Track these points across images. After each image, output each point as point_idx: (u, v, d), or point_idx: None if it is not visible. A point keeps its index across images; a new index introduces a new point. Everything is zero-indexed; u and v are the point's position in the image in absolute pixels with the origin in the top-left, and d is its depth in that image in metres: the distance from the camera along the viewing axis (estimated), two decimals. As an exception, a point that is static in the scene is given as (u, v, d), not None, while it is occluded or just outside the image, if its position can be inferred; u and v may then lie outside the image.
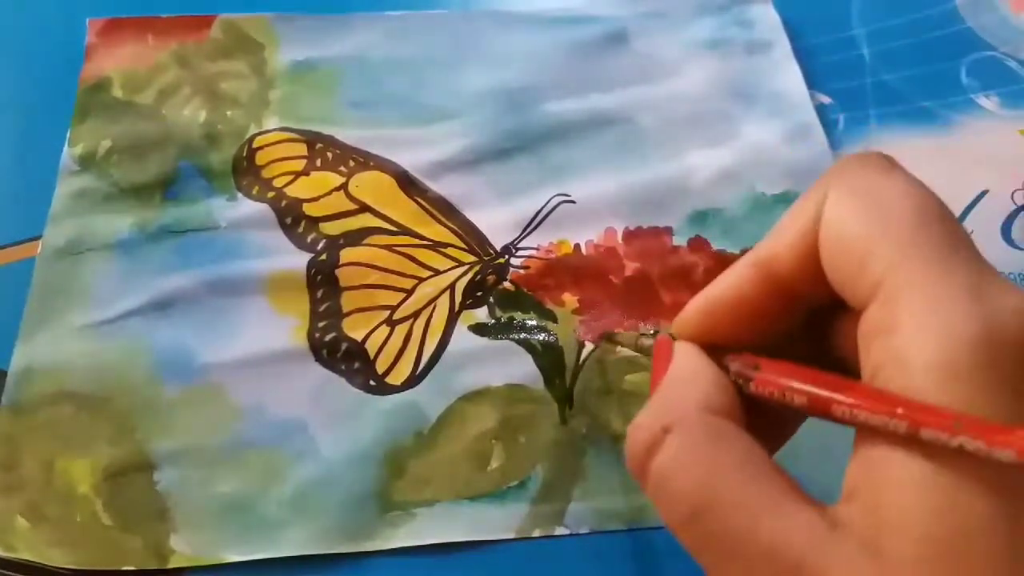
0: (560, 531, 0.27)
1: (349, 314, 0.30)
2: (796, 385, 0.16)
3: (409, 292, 0.31)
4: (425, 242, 0.32)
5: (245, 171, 0.34)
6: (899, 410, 0.14)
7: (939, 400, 0.13)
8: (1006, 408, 0.13)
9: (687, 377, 0.18)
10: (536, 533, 0.27)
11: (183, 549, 0.26)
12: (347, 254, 0.32)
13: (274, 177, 0.34)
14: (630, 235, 0.33)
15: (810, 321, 0.18)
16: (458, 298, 0.31)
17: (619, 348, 0.30)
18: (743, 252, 0.32)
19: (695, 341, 0.19)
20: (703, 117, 0.36)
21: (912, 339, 0.14)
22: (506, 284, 0.31)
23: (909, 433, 0.13)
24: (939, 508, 0.13)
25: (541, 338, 0.30)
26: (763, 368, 0.17)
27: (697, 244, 0.33)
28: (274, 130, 0.35)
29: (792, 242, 0.17)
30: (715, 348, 0.18)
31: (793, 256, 0.17)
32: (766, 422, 0.18)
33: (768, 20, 0.39)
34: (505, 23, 0.39)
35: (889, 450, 0.14)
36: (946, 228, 0.15)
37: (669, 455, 0.16)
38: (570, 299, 0.31)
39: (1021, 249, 0.33)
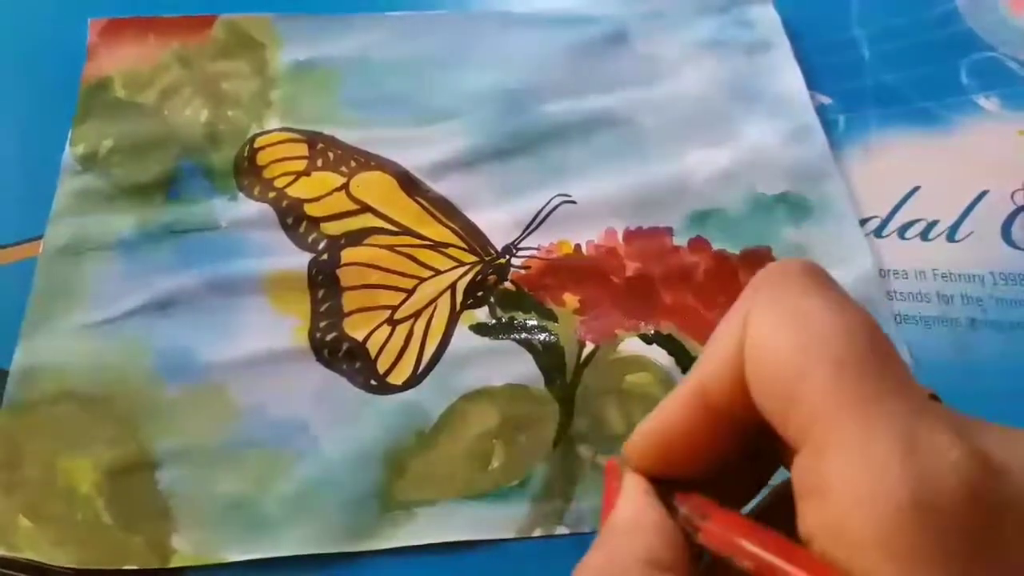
0: (560, 530, 0.27)
1: (350, 314, 0.30)
2: (744, 546, 0.15)
3: (410, 292, 0.31)
4: (426, 242, 0.32)
5: (246, 171, 0.34)
6: None
7: (879, 574, 0.12)
8: None
9: (631, 526, 0.17)
10: (536, 532, 0.27)
11: (184, 548, 0.26)
12: (348, 254, 0.32)
13: (275, 177, 0.34)
14: (630, 235, 0.33)
15: (756, 442, 0.17)
16: (459, 298, 0.31)
17: (619, 348, 0.30)
18: (743, 252, 0.32)
19: (644, 472, 0.18)
20: (703, 117, 0.36)
21: (845, 506, 0.13)
22: (507, 284, 0.31)
23: None
24: None
25: (542, 338, 0.30)
26: (713, 519, 0.16)
27: (697, 244, 0.33)
28: (275, 130, 0.35)
29: (719, 372, 0.15)
30: (665, 481, 0.17)
31: (723, 384, 0.15)
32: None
33: (768, 20, 0.39)
34: (506, 23, 0.39)
35: None
36: (877, 358, 0.14)
37: None
38: (571, 299, 0.31)
39: (1021, 249, 0.33)
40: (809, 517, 0.14)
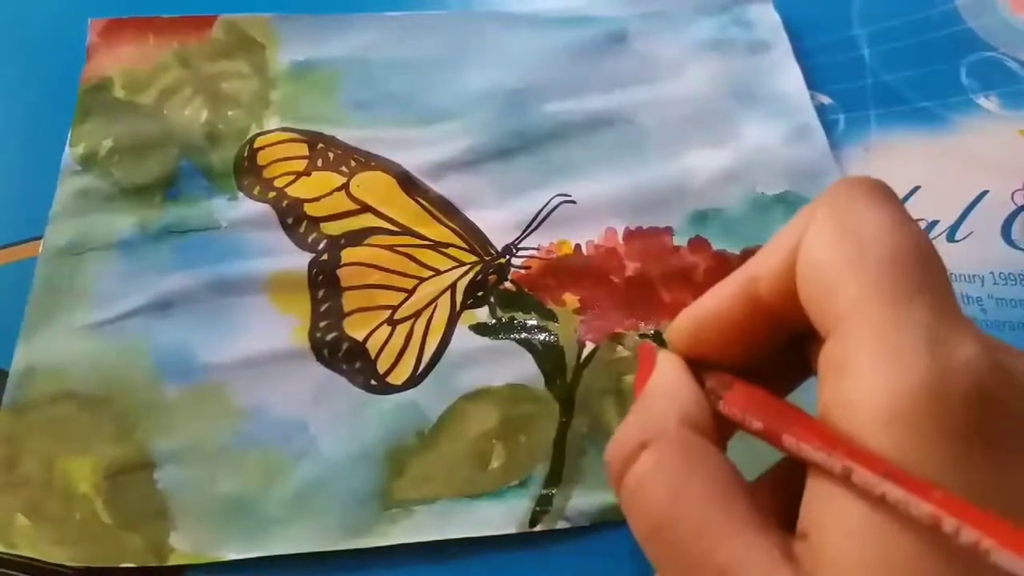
0: (561, 524, 0.27)
1: (350, 314, 0.30)
2: (753, 413, 0.16)
3: (410, 292, 0.31)
4: (426, 242, 0.32)
5: (246, 171, 0.34)
6: (837, 451, 0.14)
7: (880, 446, 0.13)
8: (941, 461, 0.13)
9: (666, 390, 0.18)
10: (536, 530, 0.27)
11: (183, 547, 0.26)
12: (348, 254, 0.32)
13: (275, 177, 0.34)
14: (631, 235, 0.33)
15: (794, 344, 0.18)
16: (459, 298, 0.31)
17: (619, 347, 0.30)
18: (743, 252, 0.32)
19: (683, 353, 0.19)
20: (703, 117, 0.36)
21: (860, 383, 0.14)
22: (507, 284, 0.31)
23: (843, 474, 0.13)
24: (872, 558, 0.13)
25: (542, 338, 0.30)
26: (734, 389, 0.17)
27: (698, 244, 0.33)
28: (275, 130, 0.35)
29: (774, 265, 0.17)
30: (701, 362, 0.18)
31: (774, 279, 0.17)
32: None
33: (768, 20, 0.39)
34: (505, 23, 0.39)
35: (832, 491, 0.14)
36: (920, 268, 0.15)
37: (642, 471, 0.16)
38: (571, 299, 0.31)
39: (1021, 249, 0.33)
40: (825, 394, 0.15)
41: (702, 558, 0.15)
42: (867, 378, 0.14)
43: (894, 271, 0.15)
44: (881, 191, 0.16)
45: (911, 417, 0.13)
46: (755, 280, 0.17)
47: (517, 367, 0.29)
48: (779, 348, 0.18)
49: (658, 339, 0.30)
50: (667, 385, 0.18)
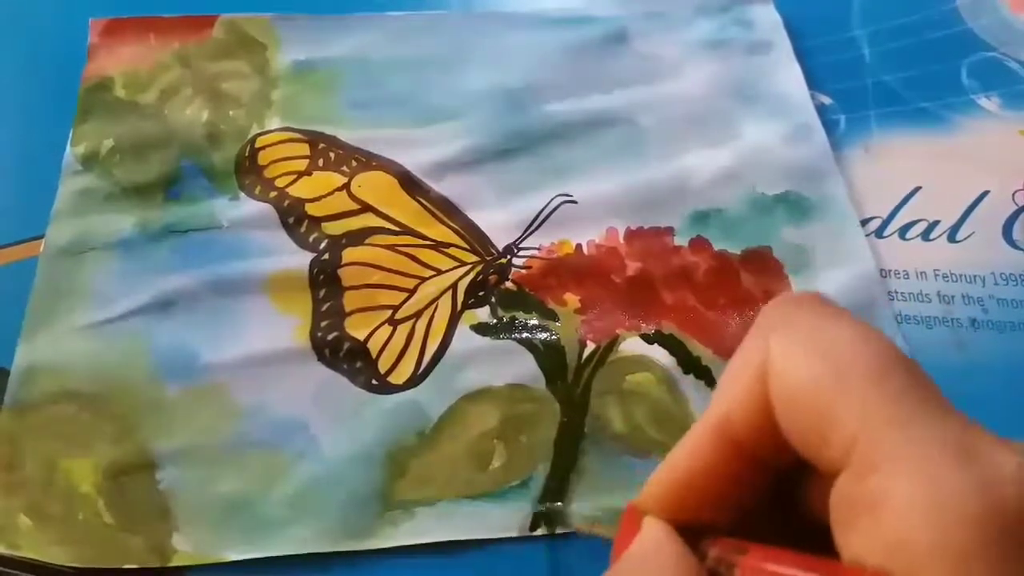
0: (561, 530, 0.27)
1: (351, 314, 0.30)
2: (794, 572, 0.14)
3: (411, 292, 0.31)
4: (427, 242, 0.32)
5: (247, 171, 0.34)
6: None
7: None
8: None
9: (647, 558, 0.16)
10: (537, 532, 0.27)
11: (185, 548, 0.26)
12: (349, 254, 0.32)
13: (276, 177, 0.34)
14: (631, 235, 0.33)
15: (777, 488, 0.16)
16: (460, 298, 0.31)
17: (620, 348, 0.30)
18: (744, 252, 0.32)
19: (663, 518, 0.17)
20: (704, 117, 0.36)
21: (903, 522, 0.12)
22: (508, 284, 0.31)
23: None
24: None
25: (543, 338, 0.30)
26: (750, 554, 0.15)
27: (698, 244, 0.33)
28: (276, 130, 0.35)
29: (742, 401, 0.15)
30: (687, 529, 0.16)
31: (746, 416, 0.15)
32: None
33: (768, 20, 0.39)
34: (506, 23, 0.39)
35: None
36: (912, 379, 0.13)
37: None
38: (572, 299, 0.31)
39: (1022, 250, 0.33)
40: (857, 538, 0.13)
41: None
42: (913, 513, 0.12)
43: (892, 386, 0.13)
44: (824, 302, 0.15)
45: (969, 546, 0.12)
46: (724, 422, 0.15)
47: (518, 367, 0.29)
48: (763, 497, 0.16)
49: (659, 338, 0.30)
50: (650, 552, 0.16)
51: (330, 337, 0.30)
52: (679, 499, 0.16)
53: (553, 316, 0.31)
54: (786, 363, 0.14)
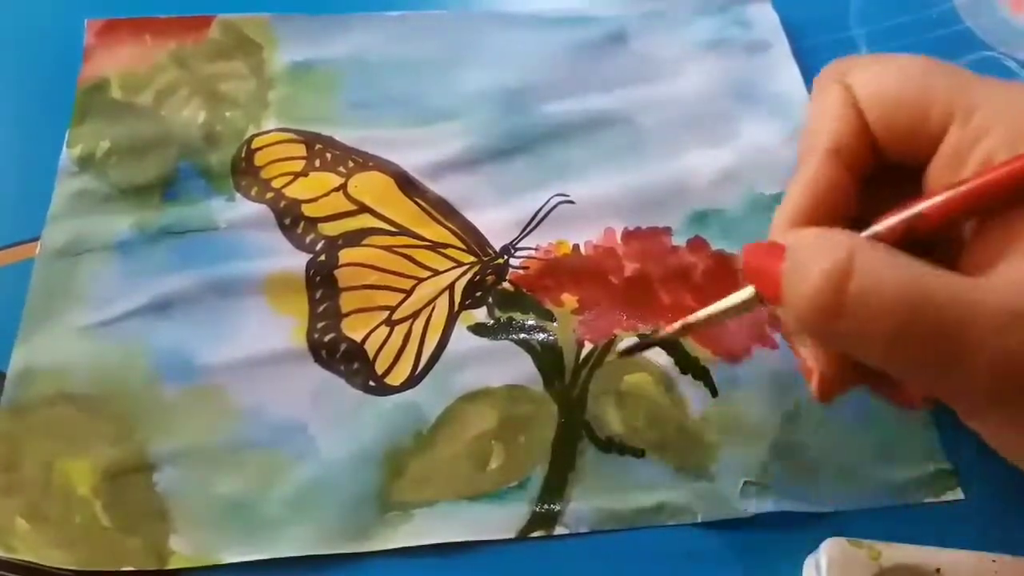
0: (559, 531, 0.27)
1: (348, 315, 0.30)
2: (965, 187, 0.17)
3: (408, 293, 0.31)
4: (424, 243, 0.32)
5: (244, 172, 0.34)
6: None
7: None
8: None
9: (824, 239, 0.18)
10: (535, 533, 0.27)
11: (183, 550, 0.26)
12: (346, 255, 0.32)
13: (273, 178, 0.34)
14: (629, 235, 0.33)
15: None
16: (457, 298, 0.31)
17: (618, 348, 0.30)
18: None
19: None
20: (702, 117, 0.36)
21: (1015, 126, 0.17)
22: (505, 284, 0.31)
23: None
24: None
25: (540, 338, 0.30)
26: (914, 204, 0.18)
27: (697, 244, 0.33)
28: (273, 131, 0.35)
29: (842, 127, 0.19)
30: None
31: (852, 133, 0.19)
32: None
33: (767, 20, 0.39)
34: (505, 23, 0.39)
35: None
36: (957, 67, 0.18)
37: (867, 271, 0.16)
38: (569, 299, 0.31)
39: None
40: (978, 153, 0.18)
41: (964, 321, 0.15)
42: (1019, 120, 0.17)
43: (964, 71, 0.18)
44: (851, 58, 0.21)
45: None
46: (836, 148, 0.19)
47: (516, 368, 0.29)
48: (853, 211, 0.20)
49: (658, 339, 0.30)
50: (825, 235, 0.18)
51: (327, 338, 0.30)
52: (809, 220, 0.19)
53: (550, 317, 0.31)
54: (879, 81, 0.19)
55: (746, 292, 0.22)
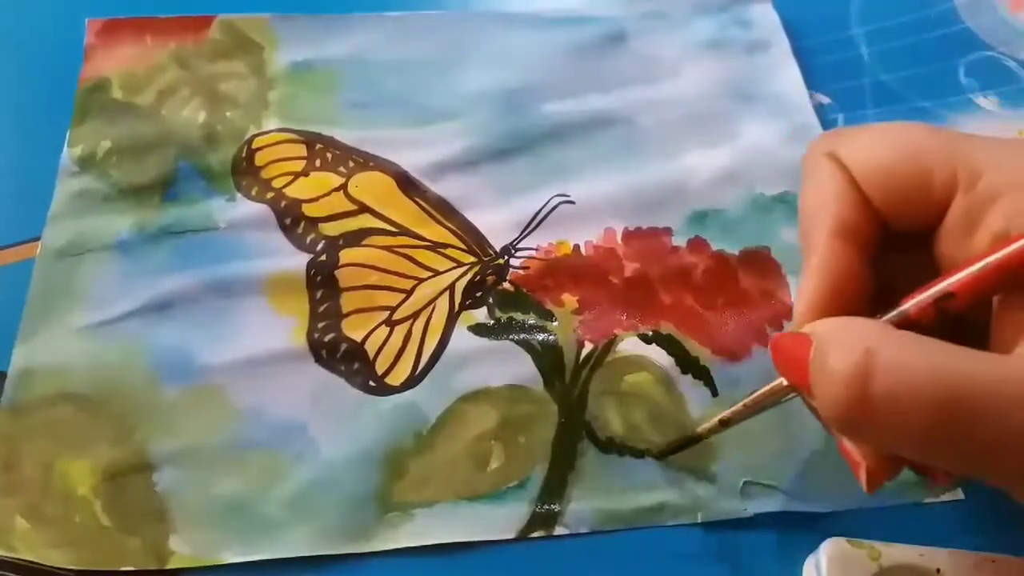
0: (559, 531, 0.27)
1: (348, 315, 0.30)
2: (993, 258, 0.16)
3: (408, 293, 0.31)
4: (424, 243, 0.32)
5: (244, 172, 0.34)
6: None
7: None
8: None
9: (849, 325, 0.17)
10: (536, 534, 0.27)
11: (182, 550, 0.26)
12: (346, 255, 0.32)
13: (273, 178, 0.34)
14: (629, 236, 0.33)
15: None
16: (457, 299, 0.31)
17: (618, 348, 0.30)
18: (743, 252, 0.32)
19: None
20: (702, 117, 0.36)
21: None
22: (505, 285, 0.31)
23: None
24: None
25: (541, 338, 0.30)
26: (943, 281, 0.17)
27: (696, 245, 0.33)
28: (273, 131, 0.35)
29: (845, 207, 0.18)
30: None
31: (853, 209, 0.18)
32: None
33: (767, 20, 0.39)
34: (505, 23, 0.39)
35: None
36: (952, 130, 0.18)
37: (889, 371, 0.15)
38: (569, 299, 0.31)
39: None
40: (984, 232, 0.17)
41: (1001, 408, 0.14)
42: None
43: (960, 133, 0.18)
44: (839, 130, 0.21)
45: None
46: (844, 229, 0.19)
47: (516, 368, 0.29)
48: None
49: (657, 338, 0.30)
50: (845, 323, 0.17)
51: (327, 338, 0.30)
52: (828, 310, 0.19)
53: (551, 317, 0.31)
54: (871, 152, 0.18)
55: (781, 381, 0.21)
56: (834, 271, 0.19)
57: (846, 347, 0.16)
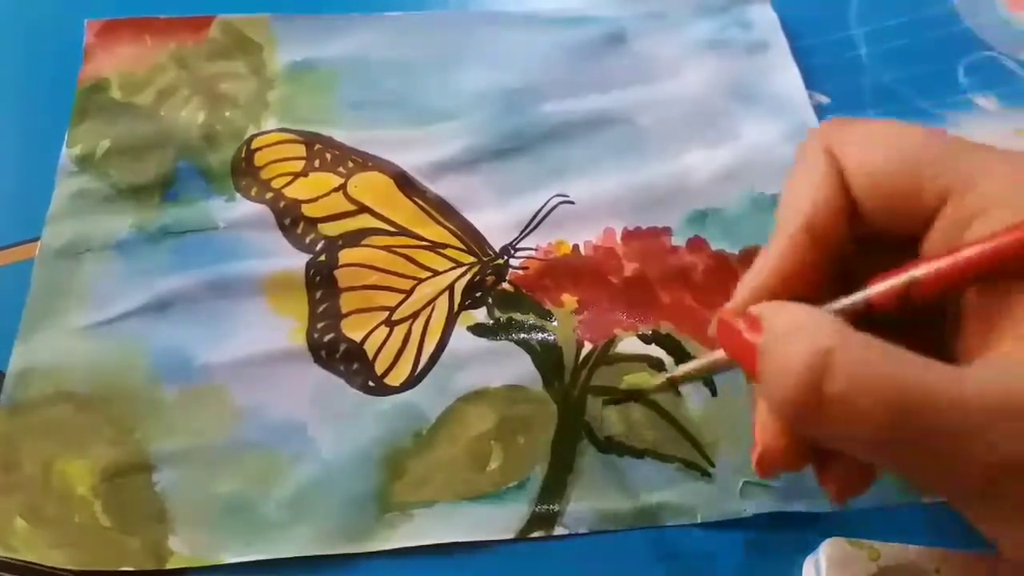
0: (559, 531, 0.27)
1: (348, 315, 0.30)
2: (967, 252, 0.16)
3: (408, 293, 0.31)
4: (424, 243, 0.32)
5: (244, 172, 0.34)
6: None
7: None
8: None
9: (806, 326, 0.16)
10: (535, 534, 0.27)
11: (182, 550, 0.26)
12: (346, 255, 0.32)
13: (273, 178, 0.34)
14: (629, 235, 0.33)
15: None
16: (457, 299, 0.31)
17: (617, 348, 0.30)
18: (742, 252, 0.32)
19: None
20: (702, 117, 0.36)
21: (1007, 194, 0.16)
22: (505, 285, 0.31)
23: None
24: None
25: (540, 339, 0.30)
26: (920, 266, 0.17)
27: (696, 244, 0.33)
28: (273, 131, 0.35)
29: (822, 204, 0.18)
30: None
31: (829, 214, 0.18)
32: None
33: (766, 20, 0.39)
34: (504, 23, 0.39)
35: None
36: (953, 136, 0.18)
37: (846, 373, 0.15)
38: (569, 299, 0.31)
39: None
40: (976, 228, 0.17)
41: (953, 414, 0.14)
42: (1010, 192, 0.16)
43: (957, 139, 0.17)
44: (855, 119, 0.20)
45: None
46: (809, 226, 0.18)
47: (515, 368, 0.29)
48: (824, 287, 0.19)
49: (656, 338, 0.30)
50: (805, 320, 0.17)
51: (327, 338, 0.30)
52: (774, 295, 0.19)
53: (550, 317, 0.31)
54: (867, 151, 0.18)
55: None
56: (794, 262, 0.19)
57: (804, 341, 0.16)
